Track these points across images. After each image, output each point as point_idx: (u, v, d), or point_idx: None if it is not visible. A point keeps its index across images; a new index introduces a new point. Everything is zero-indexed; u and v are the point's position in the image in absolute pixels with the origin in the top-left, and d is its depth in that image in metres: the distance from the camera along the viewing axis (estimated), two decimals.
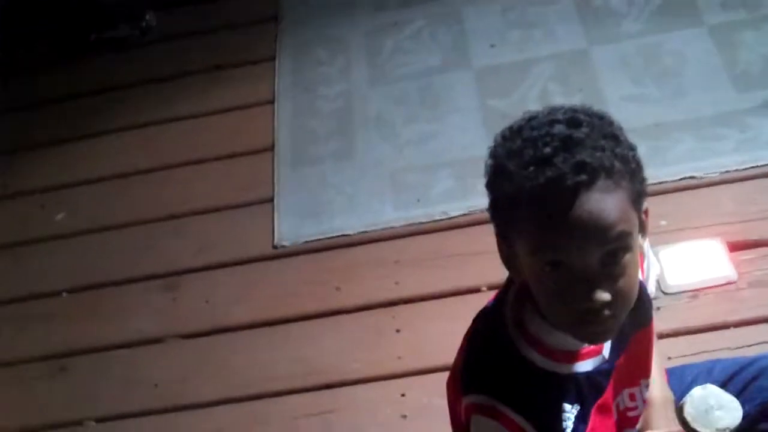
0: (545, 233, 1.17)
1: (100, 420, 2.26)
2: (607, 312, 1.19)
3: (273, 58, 2.97)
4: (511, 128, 1.23)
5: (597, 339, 1.27)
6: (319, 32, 3.02)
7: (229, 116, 2.85)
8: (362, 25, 3.00)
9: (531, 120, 1.21)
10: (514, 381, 1.29)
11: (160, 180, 2.73)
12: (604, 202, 1.15)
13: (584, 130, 1.17)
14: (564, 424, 1.30)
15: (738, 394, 1.51)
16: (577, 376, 1.31)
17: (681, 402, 1.28)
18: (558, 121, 1.19)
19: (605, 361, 1.34)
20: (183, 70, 3.02)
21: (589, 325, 1.22)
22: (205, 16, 3.17)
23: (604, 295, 1.18)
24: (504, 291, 1.35)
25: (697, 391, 1.28)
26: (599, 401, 1.34)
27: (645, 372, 1.44)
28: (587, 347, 1.32)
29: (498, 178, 1.21)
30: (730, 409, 1.28)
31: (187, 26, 3.16)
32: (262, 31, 3.08)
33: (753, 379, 1.53)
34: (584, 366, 1.32)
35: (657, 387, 1.49)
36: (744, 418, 1.51)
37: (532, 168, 1.15)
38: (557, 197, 1.14)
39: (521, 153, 1.17)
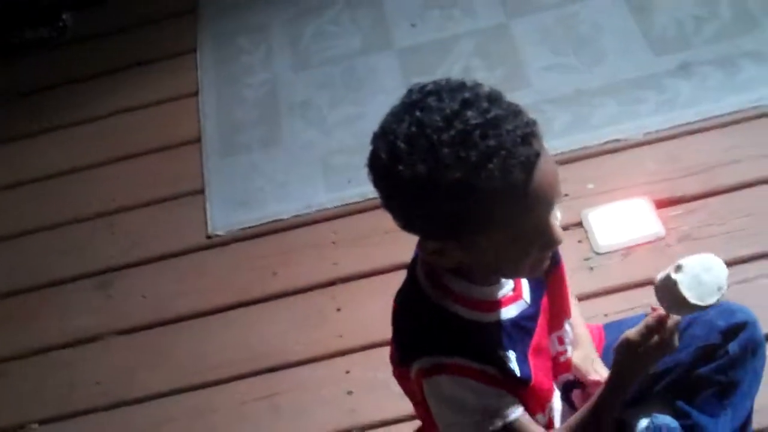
0: (533, 212, 1.18)
1: (43, 422, 2.23)
2: None
3: (194, 50, 2.96)
4: (424, 137, 1.14)
5: (541, 271, 1.31)
6: (239, 21, 3.01)
7: (153, 111, 2.84)
8: (282, 11, 3.00)
9: (435, 120, 1.14)
10: (451, 334, 1.31)
11: (87, 179, 2.71)
12: (547, 153, 1.18)
13: (488, 106, 1.15)
14: (510, 366, 1.32)
15: None
16: (503, 323, 1.33)
17: (673, 280, 1.28)
18: (465, 107, 1.15)
19: (528, 306, 1.37)
20: (104, 68, 2.99)
21: (544, 262, 1.28)
22: (123, 14, 3.15)
23: (563, 233, 1.24)
24: (413, 267, 1.36)
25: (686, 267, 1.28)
26: (532, 344, 1.36)
27: (566, 312, 1.48)
28: (507, 295, 1.35)
29: (451, 189, 1.14)
30: (713, 266, 1.29)
31: (105, 24, 3.13)
32: (181, 24, 3.06)
33: (686, 328, 1.57)
34: (509, 312, 1.34)
35: (580, 343, 1.53)
36: (679, 365, 1.57)
37: (494, 163, 1.13)
38: (528, 176, 1.15)
39: (462, 155, 1.13)
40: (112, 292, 2.43)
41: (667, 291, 1.28)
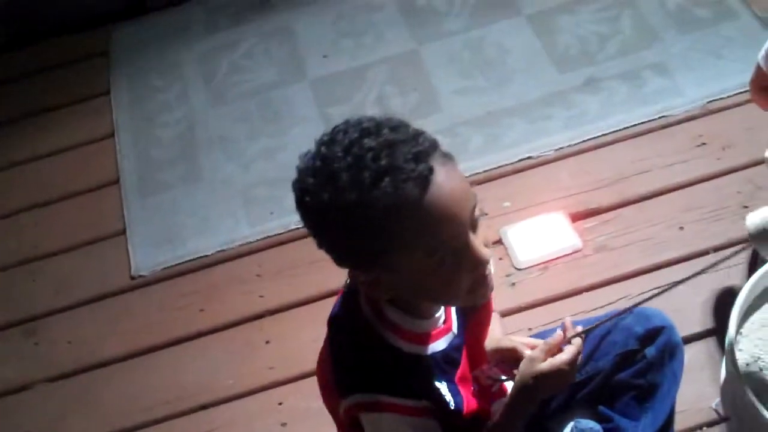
0: (437, 227, 1.21)
1: None
2: (489, 267, 1.30)
3: (107, 92, 2.95)
4: (326, 167, 1.20)
5: (488, 294, 1.35)
6: (152, 60, 3.01)
7: (70, 155, 2.81)
8: (195, 48, 3.01)
9: (336, 151, 1.20)
10: (390, 370, 1.34)
11: (6, 227, 2.67)
12: (454, 170, 1.24)
13: (384, 132, 1.22)
14: (445, 398, 1.36)
15: (593, 351, 1.62)
16: (435, 356, 1.38)
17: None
18: (364, 136, 1.21)
19: (456, 336, 1.41)
20: (17, 114, 2.95)
21: (481, 286, 1.31)
22: (33, 59, 3.11)
23: (488, 251, 1.27)
24: (349, 295, 1.39)
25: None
26: (458, 373, 1.41)
27: (483, 355, 1.52)
28: (439, 328, 1.39)
29: (352, 212, 1.19)
30: None
31: (15, 70, 3.09)
32: (94, 66, 3.04)
33: (605, 335, 1.63)
34: (440, 345, 1.39)
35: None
36: (600, 372, 1.62)
37: (385, 180, 1.18)
38: (423, 191, 1.19)
39: (357, 178, 1.18)
40: (38, 340, 2.40)
41: None
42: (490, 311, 1.52)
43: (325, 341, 1.45)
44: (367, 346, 1.36)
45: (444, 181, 1.21)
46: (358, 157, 1.19)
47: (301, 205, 1.24)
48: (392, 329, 1.35)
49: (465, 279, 1.28)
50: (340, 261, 1.29)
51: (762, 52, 1.76)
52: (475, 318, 1.47)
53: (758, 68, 1.79)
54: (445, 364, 1.40)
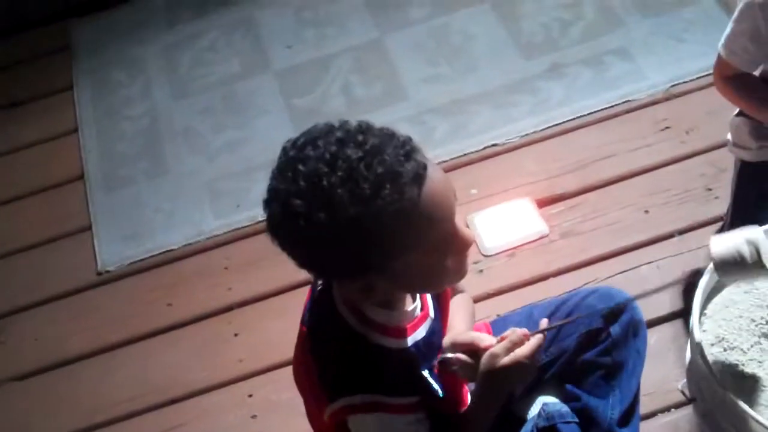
0: (435, 222, 1.21)
1: None
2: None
3: (70, 88, 2.92)
4: (315, 186, 1.17)
5: (466, 272, 1.34)
6: (114, 55, 2.99)
7: (33, 151, 2.79)
8: (158, 42, 2.99)
9: (319, 167, 1.17)
10: (378, 369, 1.34)
11: None
12: (435, 165, 1.24)
13: (363, 138, 1.20)
14: (433, 387, 1.37)
15: (557, 332, 1.62)
16: (417, 344, 1.39)
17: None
18: (342, 146, 1.18)
19: (434, 320, 1.41)
20: None
21: (463, 266, 1.32)
22: None
23: (471, 232, 1.29)
24: (326, 297, 1.37)
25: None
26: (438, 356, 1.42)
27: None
28: (417, 316, 1.40)
29: (356, 227, 1.17)
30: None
31: None
32: (55, 62, 3.02)
33: (568, 316, 1.63)
34: (420, 333, 1.39)
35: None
36: (565, 352, 1.62)
37: (387, 188, 1.16)
38: (420, 189, 1.19)
39: (356, 191, 1.16)
40: (4, 338, 2.38)
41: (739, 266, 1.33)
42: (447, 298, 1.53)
43: (301, 346, 1.43)
44: (352, 349, 1.34)
45: (434, 174, 1.21)
46: (350, 168, 1.16)
47: (290, 229, 1.19)
48: (375, 328, 1.35)
49: (452, 263, 1.28)
50: (330, 275, 1.28)
51: (722, 41, 1.77)
52: (443, 297, 1.48)
53: (719, 58, 1.80)
54: (428, 350, 1.40)
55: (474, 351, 1.42)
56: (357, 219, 1.16)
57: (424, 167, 1.20)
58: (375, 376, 1.33)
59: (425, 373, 1.38)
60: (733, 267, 1.32)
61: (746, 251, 1.30)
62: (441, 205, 1.21)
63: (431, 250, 1.23)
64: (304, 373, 1.42)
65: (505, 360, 1.36)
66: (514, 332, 1.38)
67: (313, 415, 1.47)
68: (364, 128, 1.21)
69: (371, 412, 1.32)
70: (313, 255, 1.22)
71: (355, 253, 1.20)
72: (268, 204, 1.22)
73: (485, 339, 1.42)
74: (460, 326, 1.53)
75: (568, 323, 1.56)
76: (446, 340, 1.48)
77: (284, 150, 1.22)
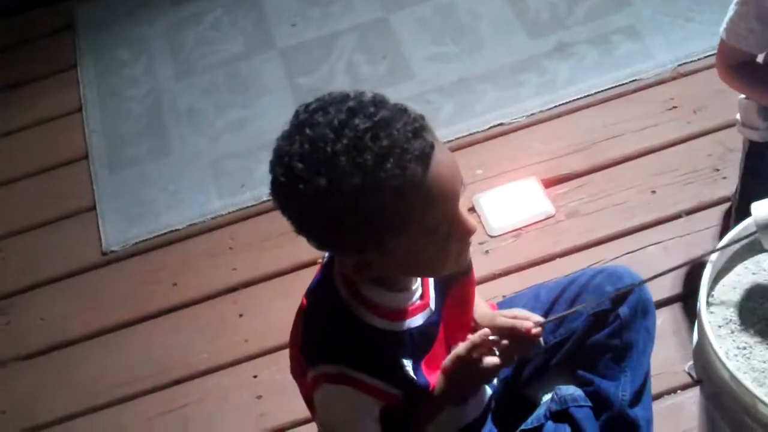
0: (438, 204, 1.20)
1: None
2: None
3: (74, 67, 2.92)
4: (318, 151, 1.16)
5: (468, 259, 1.35)
6: (118, 34, 2.98)
7: (37, 131, 2.79)
8: (161, 21, 2.97)
9: (326, 133, 1.17)
10: (359, 345, 1.33)
11: None
12: (443, 146, 1.22)
13: (374, 110, 1.19)
14: (406, 371, 1.36)
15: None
16: (411, 332, 1.37)
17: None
18: (352, 115, 1.17)
19: (433, 313, 1.40)
20: None
21: (465, 253, 1.31)
22: None
23: (474, 220, 1.29)
24: (327, 269, 1.37)
25: None
26: (432, 350, 1.40)
27: (468, 326, 1.50)
28: (415, 303, 1.38)
29: (355, 197, 1.16)
30: None
31: None
32: (59, 41, 3.02)
33: (576, 297, 1.62)
34: (416, 321, 1.38)
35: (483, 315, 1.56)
36: (574, 334, 1.61)
37: (390, 161, 1.15)
38: (425, 168, 1.18)
39: (359, 161, 1.15)
40: (9, 319, 2.38)
41: None
42: (473, 286, 1.51)
43: (298, 312, 1.43)
44: (338, 319, 1.34)
45: (441, 156, 1.20)
46: (356, 138, 1.15)
47: (290, 192, 1.18)
48: (367, 306, 1.34)
49: (453, 249, 1.27)
50: (325, 246, 1.27)
51: (723, 25, 1.75)
52: (457, 294, 1.45)
53: (722, 44, 1.78)
54: (420, 340, 1.39)
55: (513, 336, 1.41)
56: (357, 189, 1.15)
57: (431, 147, 1.19)
58: (356, 351, 1.32)
59: (406, 362, 1.36)
60: None
61: None
62: (444, 187, 1.20)
63: (430, 233, 1.22)
64: (294, 339, 1.43)
65: (460, 362, 1.36)
66: (477, 333, 1.37)
67: (299, 381, 1.47)
68: (378, 101, 1.20)
69: (342, 384, 1.32)
70: (311, 222, 1.21)
71: (351, 226, 1.18)
72: (272, 166, 1.21)
73: (524, 322, 1.41)
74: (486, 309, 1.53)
75: (569, 315, 1.54)
76: (482, 320, 1.48)
77: (296, 113, 1.22)
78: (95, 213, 2.53)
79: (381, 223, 1.19)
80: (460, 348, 1.37)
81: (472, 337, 1.37)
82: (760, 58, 1.82)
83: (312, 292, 1.41)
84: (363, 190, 1.15)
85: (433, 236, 1.22)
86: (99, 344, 2.28)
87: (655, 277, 1.43)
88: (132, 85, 2.83)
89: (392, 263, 1.27)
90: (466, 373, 1.37)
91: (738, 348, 1.42)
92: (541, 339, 1.41)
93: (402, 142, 1.16)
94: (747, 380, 1.36)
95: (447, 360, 1.38)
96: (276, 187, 1.22)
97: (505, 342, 1.39)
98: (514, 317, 1.44)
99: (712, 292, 1.50)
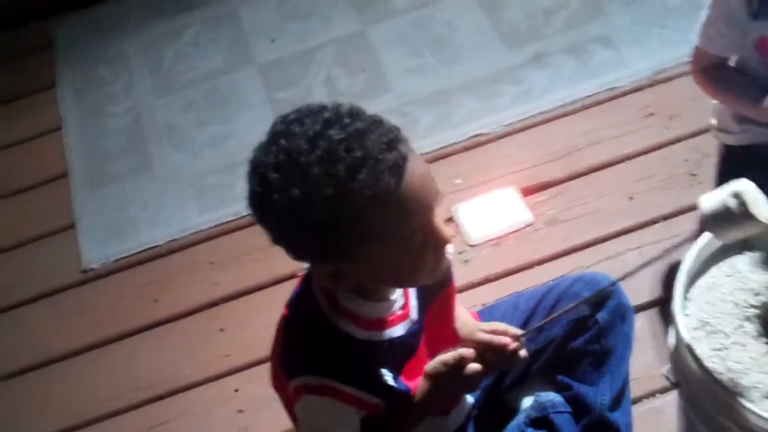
0: (411, 215, 1.21)
1: None
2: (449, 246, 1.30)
3: (53, 85, 2.91)
4: (293, 162, 1.17)
5: (444, 269, 1.35)
6: (97, 51, 2.98)
7: (16, 150, 2.79)
8: (140, 37, 2.98)
9: (300, 144, 1.18)
10: (338, 356, 1.34)
11: None
12: (418, 155, 1.24)
13: (349, 121, 1.20)
14: (386, 380, 1.36)
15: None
16: (392, 342, 1.37)
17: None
18: (327, 126, 1.18)
19: (414, 323, 1.41)
20: None
21: (441, 264, 1.31)
22: None
23: (450, 230, 1.28)
24: (307, 281, 1.38)
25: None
26: (413, 359, 1.41)
27: (452, 336, 1.51)
28: (396, 313, 1.38)
29: (328, 207, 1.17)
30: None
31: None
32: (38, 60, 3.01)
33: (555, 304, 1.63)
34: (397, 331, 1.38)
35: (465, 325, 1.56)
36: (554, 341, 1.62)
37: (363, 172, 1.16)
38: (399, 179, 1.18)
39: (332, 171, 1.16)
40: None
41: (727, 218, 1.32)
42: (453, 292, 1.52)
43: (279, 325, 1.43)
44: (318, 330, 1.34)
45: (415, 167, 1.20)
46: (329, 149, 1.16)
47: (265, 203, 1.20)
48: (347, 317, 1.34)
49: (429, 260, 1.27)
50: (301, 256, 1.27)
51: (696, 29, 1.77)
52: (437, 301, 1.46)
53: (696, 49, 1.80)
54: (401, 351, 1.39)
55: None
56: (330, 200, 1.16)
57: (405, 158, 1.19)
58: (336, 361, 1.33)
59: (387, 372, 1.36)
60: (721, 220, 1.32)
61: (732, 203, 1.30)
62: (418, 198, 1.21)
63: (404, 243, 1.22)
64: (274, 350, 1.43)
65: (443, 366, 1.36)
66: (465, 349, 1.36)
67: (280, 392, 1.47)
68: (354, 112, 1.22)
69: (321, 395, 1.32)
70: (286, 232, 1.22)
71: (325, 236, 1.19)
72: (248, 176, 1.23)
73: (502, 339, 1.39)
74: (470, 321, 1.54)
75: (549, 323, 1.55)
76: (463, 331, 1.49)
77: (274, 124, 1.23)
78: (75, 231, 2.52)
79: (355, 234, 1.20)
80: (447, 356, 1.37)
81: (461, 350, 1.37)
82: (732, 61, 1.84)
83: (292, 304, 1.41)
84: (336, 201, 1.16)
85: (407, 247, 1.23)
86: (81, 362, 2.27)
87: (628, 275, 1.42)
88: (112, 102, 2.83)
89: (367, 273, 1.27)
90: (450, 378, 1.36)
91: (713, 349, 1.43)
92: (522, 351, 1.41)
93: (375, 154, 1.17)
94: (724, 381, 1.37)
95: (431, 364, 1.38)
96: (252, 198, 1.23)
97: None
98: (493, 331, 1.43)
99: (688, 295, 1.51)
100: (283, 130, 1.20)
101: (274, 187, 1.17)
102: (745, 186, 1.31)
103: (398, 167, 1.18)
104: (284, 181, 1.17)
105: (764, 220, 1.30)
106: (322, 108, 1.22)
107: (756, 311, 1.47)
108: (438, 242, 1.26)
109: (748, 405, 1.34)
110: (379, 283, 1.34)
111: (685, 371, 1.45)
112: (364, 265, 1.24)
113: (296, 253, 1.26)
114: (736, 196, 1.30)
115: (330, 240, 1.20)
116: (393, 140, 1.19)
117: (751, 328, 1.45)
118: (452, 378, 1.36)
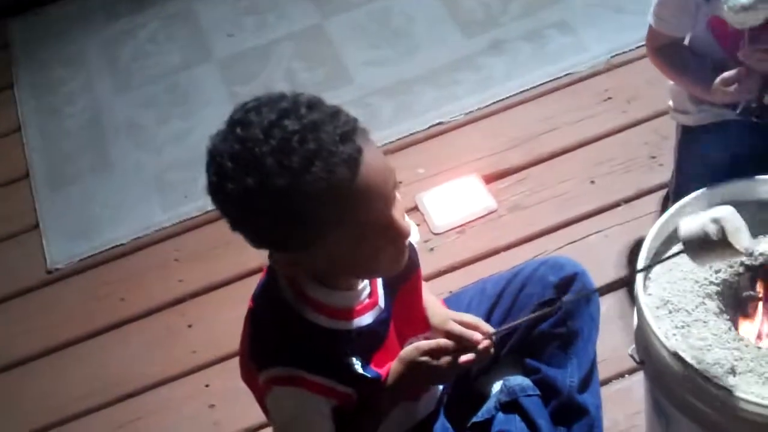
0: (366, 207, 1.21)
1: None
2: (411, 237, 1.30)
3: (11, 86, 2.89)
4: (247, 151, 1.17)
5: (405, 262, 1.34)
6: (54, 51, 2.97)
7: None
8: (97, 36, 2.97)
9: (255, 134, 1.18)
10: (306, 346, 1.34)
11: None
12: (375, 146, 1.24)
13: (306, 112, 1.20)
14: (355, 369, 1.37)
15: (511, 306, 1.63)
16: (360, 330, 1.38)
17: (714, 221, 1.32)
18: (282, 116, 1.19)
19: (382, 311, 1.41)
20: None
21: (401, 255, 1.31)
22: None
23: (408, 222, 1.28)
24: (272, 271, 1.38)
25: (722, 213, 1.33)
26: (383, 347, 1.41)
27: (423, 321, 1.51)
28: (363, 302, 1.39)
29: (281, 198, 1.17)
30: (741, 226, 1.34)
31: None
32: None
33: (521, 289, 1.64)
34: (365, 320, 1.39)
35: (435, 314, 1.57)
36: (520, 326, 1.63)
37: (316, 164, 1.16)
38: (354, 172, 1.18)
39: (285, 163, 1.16)
40: None
41: (705, 245, 1.32)
42: (420, 279, 1.52)
43: (246, 317, 1.44)
44: (285, 321, 1.35)
45: (371, 160, 1.20)
46: (283, 140, 1.16)
47: (220, 191, 1.21)
48: (313, 306, 1.34)
49: (388, 252, 1.28)
50: (257, 244, 1.27)
51: (650, 10, 1.79)
52: (405, 289, 1.46)
53: (650, 28, 1.82)
54: (370, 339, 1.39)
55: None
56: (283, 190, 1.16)
57: (360, 151, 1.19)
58: (304, 352, 1.33)
59: (356, 361, 1.36)
60: (700, 246, 1.33)
61: (711, 229, 1.31)
62: (374, 191, 1.21)
63: (359, 235, 1.23)
64: (243, 343, 1.44)
65: (426, 359, 1.36)
66: (444, 341, 1.37)
67: (250, 385, 1.47)
68: (312, 103, 1.21)
69: (291, 385, 1.33)
70: (243, 220, 1.23)
71: (280, 225, 1.20)
72: (206, 165, 1.23)
73: (474, 335, 1.39)
74: (439, 311, 1.54)
75: (520, 324, 1.56)
76: (435, 321, 1.49)
77: (233, 112, 1.23)
78: (38, 231, 2.51)
79: (309, 224, 1.20)
80: (424, 343, 1.37)
81: (440, 341, 1.37)
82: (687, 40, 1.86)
83: (257, 296, 1.41)
84: (290, 192, 1.17)
85: (362, 238, 1.23)
86: (48, 363, 2.26)
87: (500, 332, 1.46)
88: (70, 101, 2.81)
89: (323, 263, 1.28)
90: (425, 367, 1.36)
91: (676, 327, 1.45)
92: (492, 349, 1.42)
93: (329, 146, 1.17)
94: (687, 358, 1.39)
95: (407, 350, 1.38)
96: (209, 186, 1.24)
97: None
98: (465, 324, 1.43)
99: (649, 275, 1.53)
100: (240, 119, 1.20)
101: (229, 176, 1.18)
102: (725, 212, 1.33)
103: (353, 160, 1.18)
104: (239, 170, 1.17)
105: (741, 249, 1.32)
106: (281, 97, 1.23)
107: (716, 288, 1.49)
108: (395, 234, 1.27)
109: (712, 381, 1.36)
110: (339, 272, 1.34)
111: (649, 350, 1.47)
112: (321, 254, 1.25)
113: (253, 241, 1.27)
114: (716, 222, 1.32)
115: (285, 229, 1.21)
116: (349, 132, 1.20)
117: (713, 305, 1.47)
118: (426, 367, 1.37)
